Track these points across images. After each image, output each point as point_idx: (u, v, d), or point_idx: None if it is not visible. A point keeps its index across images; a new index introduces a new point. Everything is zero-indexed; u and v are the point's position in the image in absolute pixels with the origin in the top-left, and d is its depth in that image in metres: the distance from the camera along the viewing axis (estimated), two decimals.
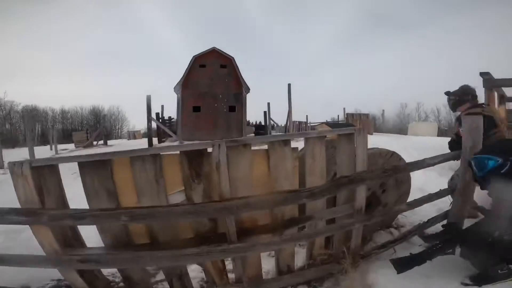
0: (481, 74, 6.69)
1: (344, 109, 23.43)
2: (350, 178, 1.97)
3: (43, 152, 16.10)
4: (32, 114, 17.50)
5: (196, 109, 14.74)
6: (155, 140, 14.67)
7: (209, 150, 1.82)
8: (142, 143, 13.89)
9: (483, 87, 7.49)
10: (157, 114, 15.56)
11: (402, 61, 67.55)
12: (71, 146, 19.35)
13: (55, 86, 61.15)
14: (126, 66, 71.89)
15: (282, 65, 75.83)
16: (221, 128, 14.63)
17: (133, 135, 29.89)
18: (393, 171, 2.20)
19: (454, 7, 65.11)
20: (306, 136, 2.05)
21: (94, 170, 1.80)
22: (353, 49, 75.37)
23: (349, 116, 22.05)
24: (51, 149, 15.62)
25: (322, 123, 17.50)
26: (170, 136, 14.60)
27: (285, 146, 1.95)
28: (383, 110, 23.04)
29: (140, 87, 58.95)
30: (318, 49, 76.64)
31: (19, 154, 14.12)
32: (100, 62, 68.54)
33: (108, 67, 70.16)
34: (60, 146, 21.45)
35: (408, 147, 6.94)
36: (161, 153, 1.85)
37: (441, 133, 21.39)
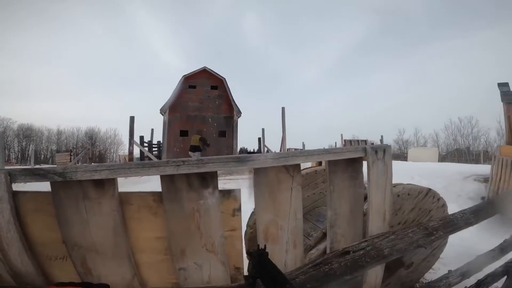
0: (499, 85, 5.85)
1: (341, 135, 22.61)
2: (353, 257, 1.17)
3: None
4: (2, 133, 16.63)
5: (184, 133, 13.86)
6: None
7: None
8: None
9: (502, 101, 6.49)
10: (141, 137, 14.70)
11: (399, 86, 68.12)
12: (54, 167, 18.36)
13: (54, 106, 61.21)
14: (127, 88, 72.60)
15: (278, 89, 76.49)
16: (210, 155, 13.68)
17: (124, 159, 29.03)
18: (442, 231, 1.36)
19: (450, 30, 66.71)
20: (253, 165, 1.16)
21: None
22: (349, 73, 76.43)
23: (347, 142, 21.29)
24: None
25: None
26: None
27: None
28: (382, 136, 22.17)
29: (138, 109, 58.82)
30: (314, 74, 77.60)
31: None
32: (101, 83, 69.24)
33: (109, 88, 70.78)
34: (43, 167, 20.52)
35: (415, 175, 6.16)
36: None
37: (441, 158, 20.48)
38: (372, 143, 21.94)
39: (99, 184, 1.05)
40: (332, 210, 1.31)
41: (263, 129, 18.29)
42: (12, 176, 1.01)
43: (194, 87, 14.38)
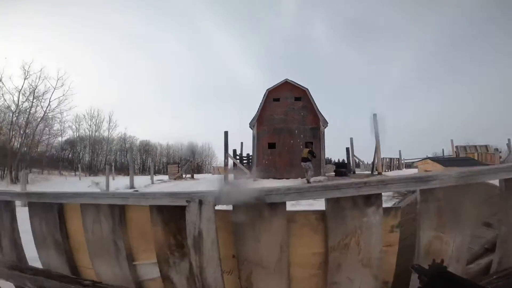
0: None
1: (451, 141, 19.02)
2: None
3: (144, 180, 18.88)
4: (132, 150, 21.02)
5: (271, 145, 14.41)
6: (231, 176, 14.98)
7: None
8: (222, 177, 14.32)
9: None
10: (234, 150, 16.04)
11: None
12: (166, 177, 22.11)
13: (162, 123, 74.20)
14: (216, 104, 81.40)
15: (364, 95, 70.51)
16: (297, 166, 13.72)
17: (217, 170, 32.54)
18: None
19: None
20: (435, 184, 1.17)
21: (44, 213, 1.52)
22: (455, 67, 63.64)
23: (460, 149, 17.77)
24: (151, 178, 18.10)
25: (425, 158, 14.33)
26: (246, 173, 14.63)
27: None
28: (509, 140, 17.41)
29: (227, 124, 64.82)
30: (405, 74, 68.09)
31: (124, 181, 16.95)
32: (196, 100, 79.93)
33: (202, 105, 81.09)
34: (158, 177, 24.99)
35: None
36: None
37: None
38: (496, 149, 17.55)
39: (273, 205, 1.16)
40: (506, 226, 1.27)
41: (351, 139, 17.29)
42: (217, 199, 1.14)
43: (278, 99, 14.85)
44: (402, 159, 20.76)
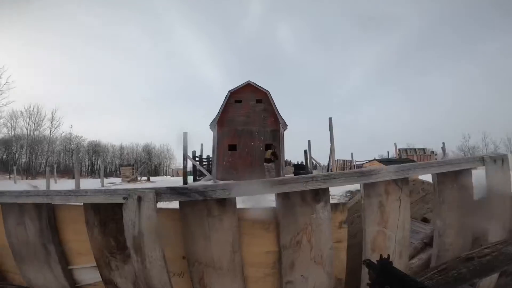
0: None
1: (395, 144, 21.00)
2: (481, 262, 1.22)
3: (92, 183, 17.34)
4: (78, 150, 19.12)
5: (232, 147, 14.37)
6: (190, 179, 14.53)
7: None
8: (180, 180, 13.77)
9: None
10: (194, 152, 15.60)
11: (458, 87, 61.00)
12: (119, 179, 20.59)
13: (114, 123, 69.04)
14: (174, 105, 78.61)
15: (321, 99, 74.80)
16: (258, 168, 13.88)
17: (176, 172, 31.40)
18: None
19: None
20: (376, 179, 1.24)
21: None
22: (399, 78, 71.24)
23: (402, 151, 19.74)
24: (101, 181, 16.63)
25: (372, 160, 15.61)
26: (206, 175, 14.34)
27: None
28: (444, 143, 19.93)
29: (185, 125, 62.92)
30: (358, 81, 74.14)
31: (67, 184, 15.37)
32: (152, 100, 76.15)
33: (159, 105, 77.44)
34: (110, 179, 23.14)
35: None
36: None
37: None
38: (432, 152, 19.97)
39: (222, 201, 1.12)
40: (441, 220, 1.35)
41: (309, 141, 17.98)
42: (159, 195, 1.06)
43: (240, 101, 14.90)
44: (354, 161, 22.30)
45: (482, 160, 1.35)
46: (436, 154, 19.48)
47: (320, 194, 1.16)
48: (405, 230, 1.29)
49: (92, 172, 45.19)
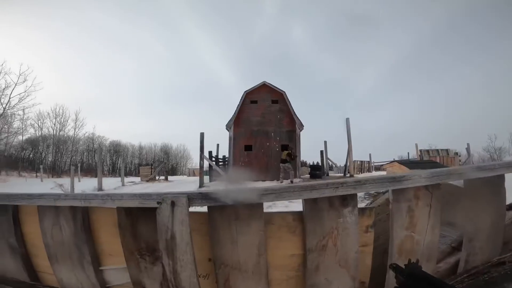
0: None
1: (416, 145, 20.32)
2: None
3: (113, 182, 17.98)
4: (101, 150, 19.77)
5: (248, 147, 14.41)
6: (206, 179, 14.74)
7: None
8: (197, 180, 13.98)
9: None
10: (210, 152, 15.81)
11: (481, 86, 57.73)
12: (138, 178, 21.22)
13: (134, 124, 71.19)
14: (191, 106, 79.90)
15: (338, 100, 73.40)
16: (273, 168, 13.84)
17: (192, 172, 31.98)
18: None
19: None
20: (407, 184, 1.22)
21: None
22: (420, 76, 68.61)
23: (423, 152, 19.03)
24: (121, 180, 17.23)
25: (393, 161, 15.14)
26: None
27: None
28: (468, 144, 18.97)
29: (203, 126, 63.87)
30: (376, 80, 72.11)
31: (91, 183, 16.02)
32: (170, 101, 77.91)
33: (176, 106, 79.08)
34: (130, 178, 23.90)
35: None
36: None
37: None
38: (456, 153, 19.07)
39: (250, 206, 1.14)
40: (472, 225, 1.33)
41: (325, 142, 17.79)
42: (191, 200, 1.09)
43: (255, 102, 14.91)
44: (372, 162, 21.74)
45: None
46: (460, 156, 18.61)
47: (348, 199, 1.15)
48: (434, 234, 1.27)
49: (113, 171, 46.85)
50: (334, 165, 21.39)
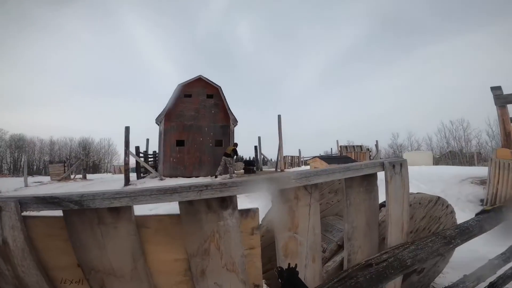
0: (492, 89, 6.05)
1: (337, 141, 22.85)
2: (377, 269, 1.21)
3: (15, 183, 14.95)
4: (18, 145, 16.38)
5: (180, 143, 13.81)
6: (133, 176, 13.57)
7: None
8: (123, 177, 12.69)
9: (495, 104, 6.69)
10: (137, 147, 14.59)
11: (391, 90, 69.43)
12: (47, 178, 18.15)
13: (46, 116, 60.58)
14: (120, 97, 72.30)
15: (273, 97, 77.40)
16: (206, 164, 13.63)
17: (118, 170, 28.96)
18: (459, 239, 1.45)
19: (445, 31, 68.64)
20: (277, 187, 1.26)
21: None
22: (343, 79, 77.99)
23: (342, 148, 21.45)
24: (24, 180, 14.37)
25: (315, 157, 16.66)
26: (151, 172, 13.57)
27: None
28: (377, 141, 22.34)
29: (132, 119, 58.42)
30: (308, 80, 79.06)
31: None
32: (94, 92, 68.88)
33: (101, 98, 70.35)
34: (37, 178, 20.25)
35: (412, 179, 6.17)
36: None
37: (436, 161, 20.75)
38: (368, 149, 22.16)
39: (113, 209, 1.03)
40: (349, 223, 1.37)
41: (259, 137, 18.40)
42: (23, 205, 0.97)
43: (190, 96, 14.34)
44: (302, 157, 23.52)
45: (382, 165, 1.38)
46: (370, 151, 21.69)
47: (228, 201, 1.12)
48: (316, 235, 1.29)
49: (16, 170, 38.95)
50: (268, 160, 22.40)
